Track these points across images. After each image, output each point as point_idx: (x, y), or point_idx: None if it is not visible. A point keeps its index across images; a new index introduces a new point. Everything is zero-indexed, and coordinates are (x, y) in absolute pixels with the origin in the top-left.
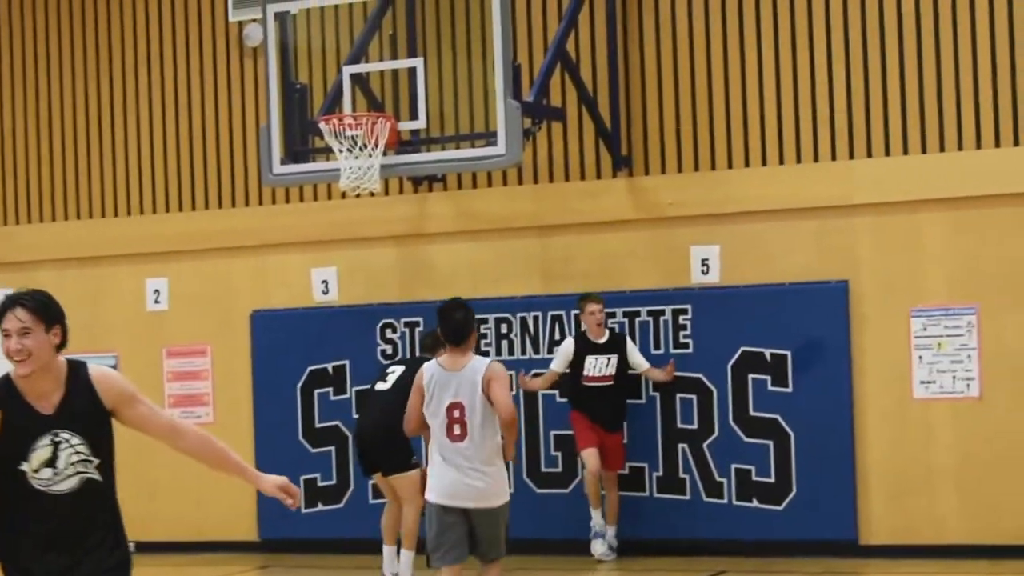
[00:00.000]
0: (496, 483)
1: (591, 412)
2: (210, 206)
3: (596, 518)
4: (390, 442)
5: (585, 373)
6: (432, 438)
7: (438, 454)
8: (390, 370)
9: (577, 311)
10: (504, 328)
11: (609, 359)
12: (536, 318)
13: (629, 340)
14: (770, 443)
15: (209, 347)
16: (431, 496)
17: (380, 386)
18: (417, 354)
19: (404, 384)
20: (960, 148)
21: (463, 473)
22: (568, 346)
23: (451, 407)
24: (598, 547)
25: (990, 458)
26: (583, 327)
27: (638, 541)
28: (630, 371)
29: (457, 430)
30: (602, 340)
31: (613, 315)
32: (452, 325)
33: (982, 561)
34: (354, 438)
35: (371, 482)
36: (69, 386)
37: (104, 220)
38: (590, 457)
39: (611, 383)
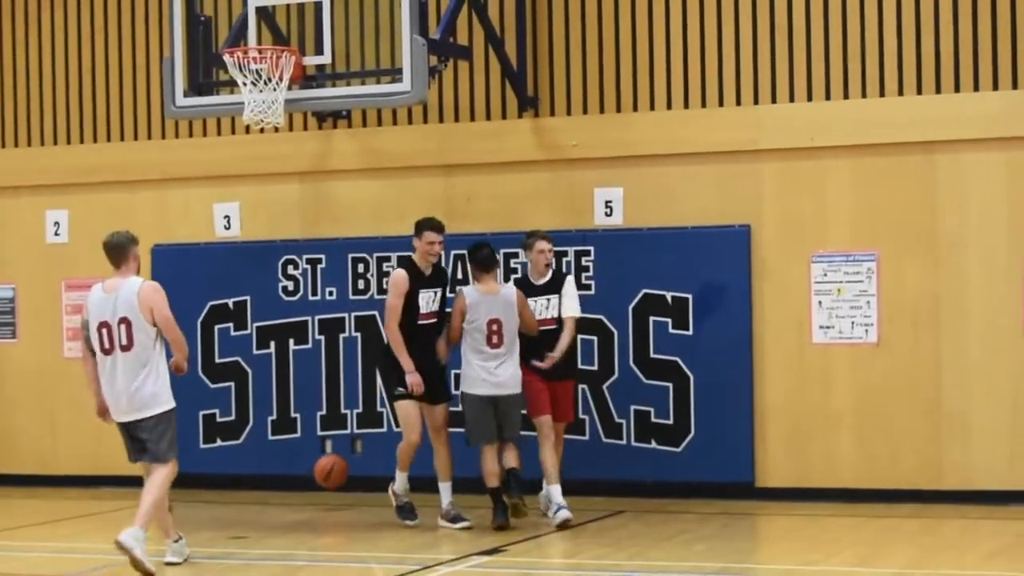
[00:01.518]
0: (519, 377)
1: (533, 360)
2: (112, 138)
3: (553, 494)
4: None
5: None
6: (470, 347)
7: (477, 359)
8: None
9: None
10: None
11: (549, 300)
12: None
13: (570, 281)
14: (669, 385)
15: None
16: (473, 390)
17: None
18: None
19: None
20: (864, 96)
21: (494, 373)
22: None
23: (491, 322)
24: (564, 514)
25: (887, 403)
26: (529, 267)
27: (537, 480)
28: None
29: (495, 340)
30: (542, 281)
31: (515, 255)
32: (481, 259)
33: (878, 504)
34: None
35: (272, 419)
36: None
37: (4, 151)
38: (542, 426)
39: (554, 327)
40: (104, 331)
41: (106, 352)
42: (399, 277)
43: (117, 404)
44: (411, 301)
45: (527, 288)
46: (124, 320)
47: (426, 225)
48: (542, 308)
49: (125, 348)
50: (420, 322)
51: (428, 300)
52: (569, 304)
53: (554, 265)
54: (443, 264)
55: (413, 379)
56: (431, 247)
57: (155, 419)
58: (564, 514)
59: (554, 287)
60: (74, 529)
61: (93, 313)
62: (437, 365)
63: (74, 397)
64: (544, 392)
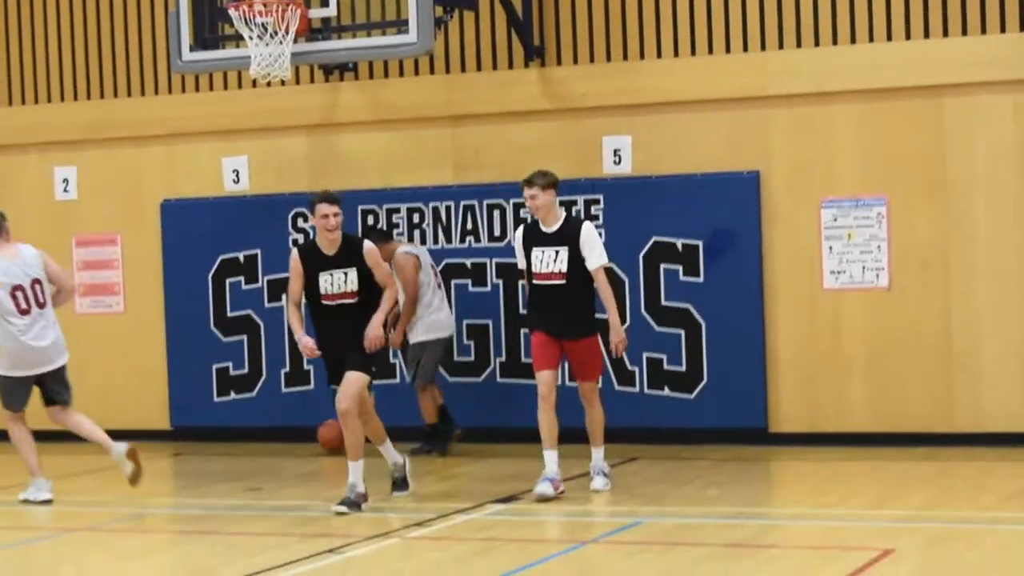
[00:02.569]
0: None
1: (542, 320)
2: (120, 94)
3: (547, 459)
4: None
5: (533, 270)
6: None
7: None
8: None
9: (490, 202)
10: (416, 218)
11: (558, 252)
12: (448, 208)
13: (587, 227)
14: (681, 332)
15: (119, 236)
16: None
17: None
18: None
19: None
20: (871, 40)
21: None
22: (518, 236)
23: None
24: (544, 488)
25: (897, 348)
26: None
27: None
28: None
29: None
30: (552, 229)
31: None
32: None
33: (890, 448)
34: None
35: (285, 372)
36: None
37: (11, 108)
38: (540, 383)
39: (562, 282)
40: (19, 294)
41: (24, 312)
42: (291, 260)
43: (38, 357)
44: (312, 283)
45: (536, 237)
46: (37, 281)
47: (317, 198)
48: (549, 260)
49: (41, 306)
50: (325, 302)
51: (332, 282)
52: (592, 256)
53: (561, 212)
54: (357, 238)
55: (304, 341)
56: (325, 221)
57: (64, 366)
58: (540, 488)
59: (564, 238)
60: (90, 483)
61: (5, 281)
62: (356, 344)
63: (86, 353)
64: (544, 347)
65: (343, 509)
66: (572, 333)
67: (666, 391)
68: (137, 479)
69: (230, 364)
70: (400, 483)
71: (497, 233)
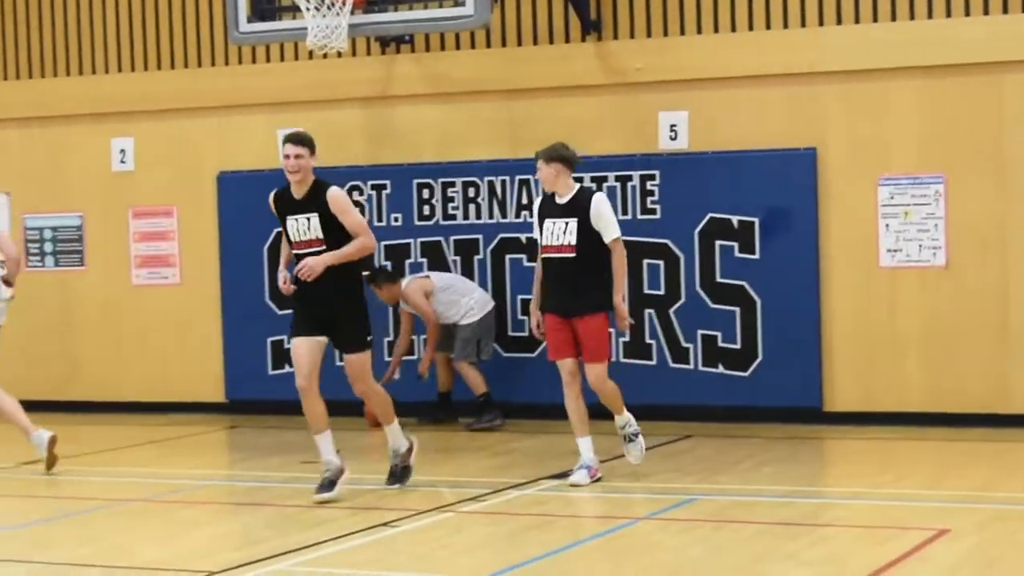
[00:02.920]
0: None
1: (551, 298)
2: (176, 65)
3: (581, 447)
4: None
5: (544, 242)
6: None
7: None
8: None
9: None
10: (471, 192)
11: (567, 224)
12: (504, 182)
13: (598, 198)
14: (736, 310)
15: (176, 208)
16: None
17: None
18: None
19: None
20: (930, 16)
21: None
22: (535, 207)
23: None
24: (578, 478)
25: (954, 327)
26: None
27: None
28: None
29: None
30: (563, 200)
31: (580, 180)
32: None
33: (946, 428)
34: None
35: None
36: None
37: (69, 79)
38: (562, 371)
39: (572, 255)
40: None
41: None
42: (269, 201)
43: None
44: (285, 228)
45: (549, 207)
46: None
47: (283, 138)
48: (559, 232)
49: None
50: (296, 251)
51: (297, 228)
52: (606, 228)
53: (575, 184)
54: (326, 184)
55: (283, 275)
56: (286, 162)
57: None
58: (574, 477)
59: (574, 209)
60: (146, 454)
61: None
62: (334, 305)
63: (141, 325)
64: (557, 332)
65: (324, 496)
66: (580, 309)
67: (720, 369)
68: (51, 466)
69: (285, 337)
70: (399, 474)
71: None
